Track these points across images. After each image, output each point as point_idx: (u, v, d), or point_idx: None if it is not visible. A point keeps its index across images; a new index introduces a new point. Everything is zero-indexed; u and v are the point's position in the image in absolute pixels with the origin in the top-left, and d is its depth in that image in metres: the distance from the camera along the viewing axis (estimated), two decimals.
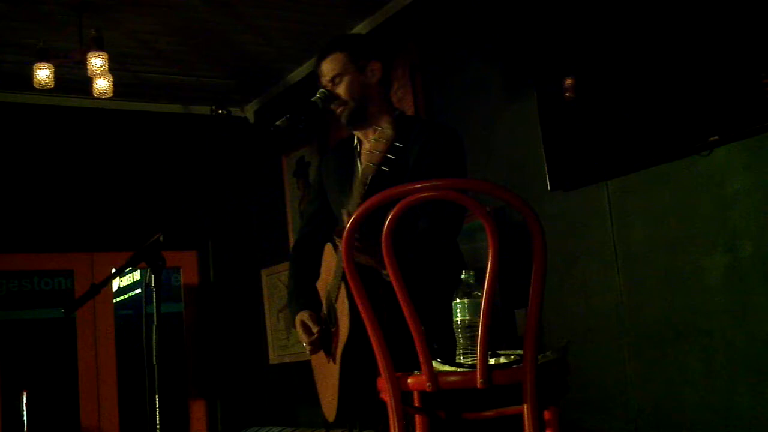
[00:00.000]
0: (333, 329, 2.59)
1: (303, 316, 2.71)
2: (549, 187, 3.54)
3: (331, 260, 2.61)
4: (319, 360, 2.75)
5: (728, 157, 2.96)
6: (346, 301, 2.39)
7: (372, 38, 2.81)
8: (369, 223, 1.94)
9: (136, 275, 7.03)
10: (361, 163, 2.67)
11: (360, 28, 4.89)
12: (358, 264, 1.93)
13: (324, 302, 2.70)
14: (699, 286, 3.09)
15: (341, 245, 1.94)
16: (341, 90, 2.60)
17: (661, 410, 3.23)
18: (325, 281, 2.69)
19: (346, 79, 2.60)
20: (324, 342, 2.68)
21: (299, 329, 2.72)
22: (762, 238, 2.89)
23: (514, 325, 3.69)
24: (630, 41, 3.17)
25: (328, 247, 2.66)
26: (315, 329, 2.66)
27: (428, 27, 4.51)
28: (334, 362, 2.53)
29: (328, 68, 2.62)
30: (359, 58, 2.62)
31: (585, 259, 3.57)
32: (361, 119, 2.63)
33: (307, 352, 2.73)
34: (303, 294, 2.78)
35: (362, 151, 2.69)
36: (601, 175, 3.40)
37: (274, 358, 5.94)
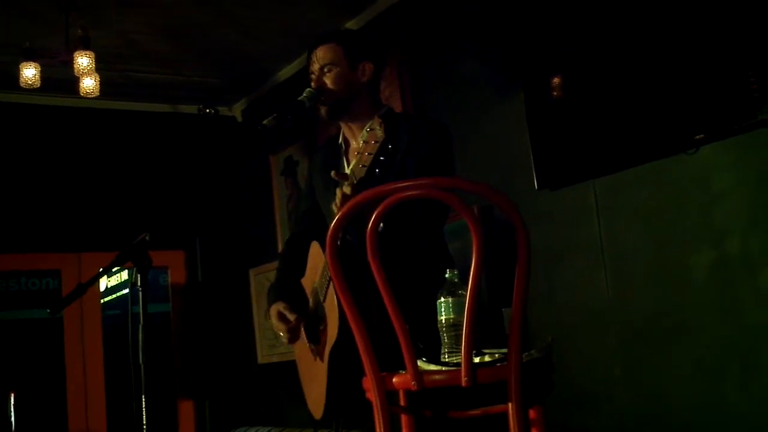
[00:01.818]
0: (321, 327, 2.59)
1: (279, 306, 2.72)
2: (536, 186, 3.54)
3: (318, 258, 2.61)
4: (304, 358, 2.75)
5: (714, 155, 2.97)
6: (335, 300, 2.39)
7: (369, 39, 2.81)
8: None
9: (124, 275, 7.00)
10: (347, 161, 2.67)
11: (349, 26, 4.88)
12: (343, 262, 1.92)
13: (311, 299, 2.71)
14: (686, 283, 3.10)
15: (326, 245, 1.93)
16: (328, 79, 2.61)
17: (649, 407, 3.24)
18: (311, 279, 2.69)
19: (336, 70, 2.61)
20: (310, 333, 2.68)
21: (274, 319, 2.73)
22: (748, 235, 2.90)
23: (501, 324, 3.69)
24: (617, 40, 3.18)
25: (315, 245, 2.66)
26: (292, 317, 2.67)
27: (417, 25, 4.51)
28: (322, 361, 2.54)
29: (321, 55, 2.63)
30: (354, 55, 2.64)
31: (572, 257, 3.57)
32: (342, 113, 2.63)
33: (284, 342, 2.74)
34: (284, 287, 2.79)
35: (350, 149, 2.69)
36: (588, 173, 3.41)
37: (262, 357, 5.92)
